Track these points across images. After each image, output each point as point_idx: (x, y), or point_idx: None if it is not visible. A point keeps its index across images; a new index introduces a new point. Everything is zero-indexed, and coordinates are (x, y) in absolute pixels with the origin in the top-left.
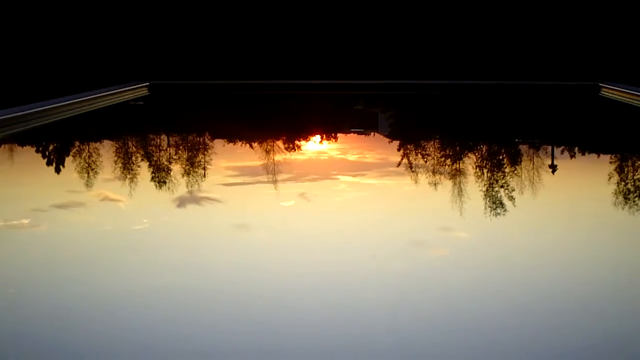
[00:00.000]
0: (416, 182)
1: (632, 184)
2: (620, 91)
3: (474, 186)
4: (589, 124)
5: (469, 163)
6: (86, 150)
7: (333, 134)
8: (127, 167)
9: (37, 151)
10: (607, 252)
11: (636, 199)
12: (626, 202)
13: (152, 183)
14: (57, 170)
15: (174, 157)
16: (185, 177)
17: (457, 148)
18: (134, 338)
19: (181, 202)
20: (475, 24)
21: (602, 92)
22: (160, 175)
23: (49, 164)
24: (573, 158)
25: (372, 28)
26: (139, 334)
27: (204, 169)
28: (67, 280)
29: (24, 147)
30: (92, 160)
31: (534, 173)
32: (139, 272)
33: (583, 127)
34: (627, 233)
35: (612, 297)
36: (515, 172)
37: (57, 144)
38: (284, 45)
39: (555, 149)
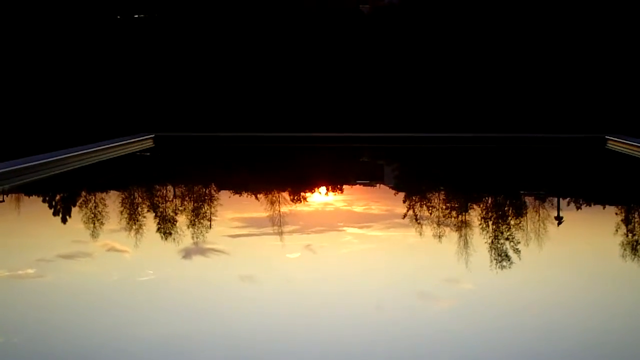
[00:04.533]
0: (422, 234)
1: (636, 236)
2: (626, 143)
3: (479, 238)
4: (595, 176)
5: (475, 215)
6: (94, 201)
7: (339, 186)
8: (134, 219)
9: (45, 201)
10: (611, 302)
11: (637, 249)
12: (630, 255)
13: (159, 234)
14: (64, 221)
15: (181, 208)
16: (191, 229)
17: (464, 200)
18: None
19: (187, 254)
20: (482, 76)
21: (609, 145)
22: (167, 227)
23: (56, 214)
24: (579, 210)
25: (380, 80)
26: None
27: (210, 220)
28: (72, 329)
29: (33, 198)
30: (99, 211)
31: (539, 225)
32: (144, 322)
33: (589, 179)
34: (628, 284)
35: (616, 346)
36: (521, 224)
37: (65, 195)
38: (288, 97)
39: (561, 201)
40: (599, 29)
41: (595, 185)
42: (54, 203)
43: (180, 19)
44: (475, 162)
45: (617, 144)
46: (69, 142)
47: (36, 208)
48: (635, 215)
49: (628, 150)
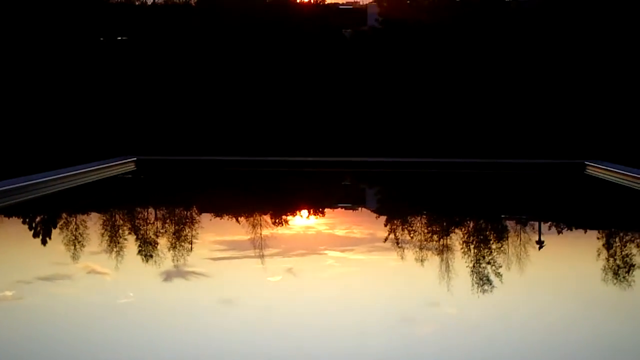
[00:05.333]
0: (403, 258)
1: (613, 260)
2: (605, 169)
3: (460, 263)
4: (574, 201)
5: (455, 240)
6: (74, 225)
7: (321, 209)
8: (115, 242)
9: (24, 225)
10: (591, 324)
11: (616, 274)
12: (610, 278)
13: (141, 257)
14: (45, 243)
15: (162, 231)
16: (172, 251)
17: (444, 225)
18: None
19: (168, 277)
20: (462, 102)
21: (588, 170)
22: (148, 250)
23: (35, 236)
24: (560, 234)
25: (361, 104)
26: None
27: (191, 243)
28: (53, 351)
29: (13, 220)
30: (80, 234)
31: (520, 249)
32: (123, 345)
33: (568, 204)
34: (607, 306)
35: None
36: (502, 248)
37: (46, 218)
38: (272, 120)
39: (541, 225)
40: (577, 55)
41: (574, 210)
42: (33, 226)
43: (163, 42)
44: (454, 187)
45: (596, 170)
46: (50, 164)
47: (15, 232)
48: (615, 240)
49: (607, 176)
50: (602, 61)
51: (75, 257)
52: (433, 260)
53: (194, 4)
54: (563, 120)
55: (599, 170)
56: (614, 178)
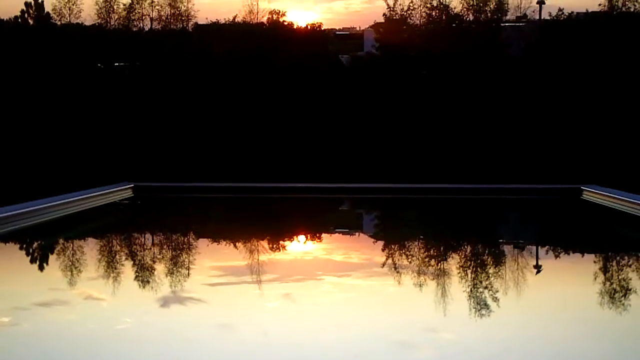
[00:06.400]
0: (400, 283)
1: (609, 284)
2: (602, 194)
3: (459, 288)
4: (571, 226)
5: (453, 265)
6: (73, 251)
7: (318, 235)
8: (113, 268)
9: (21, 250)
10: (588, 350)
11: (613, 299)
12: (607, 303)
13: (138, 283)
14: (42, 270)
15: (161, 258)
16: (170, 278)
17: (441, 250)
18: None
19: (166, 302)
20: (457, 127)
21: (584, 195)
22: (145, 276)
23: (33, 262)
24: (558, 258)
25: (359, 130)
26: None
27: (189, 269)
28: None
29: (9, 248)
30: (78, 260)
31: (518, 274)
32: None
33: (565, 229)
34: (606, 332)
35: None
36: (500, 273)
37: (43, 246)
38: (270, 147)
39: (538, 250)
40: (572, 80)
41: (572, 235)
42: (31, 254)
43: (161, 68)
44: (450, 213)
45: (592, 195)
46: (46, 191)
47: (11, 260)
48: (613, 264)
49: (604, 201)
50: (596, 87)
51: (72, 284)
52: (431, 286)
53: (191, 30)
54: (558, 145)
55: (596, 195)
56: (611, 203)
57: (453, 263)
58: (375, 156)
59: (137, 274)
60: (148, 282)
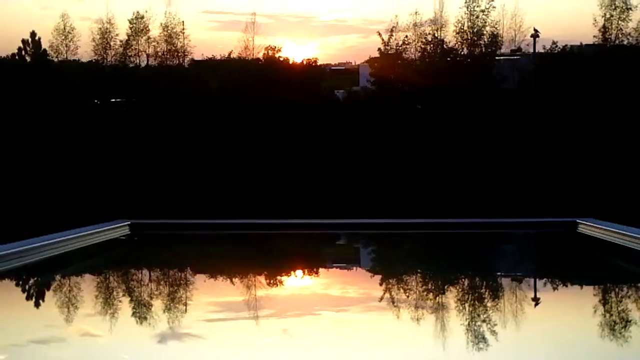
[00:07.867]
0: (399, 318)
1: (605, 317)
2: (597, 227)
3: (456, 323)
4: (566, 260)
5: (450, 299)
6: (70, 289)
7: (315, 270)
8: (112, 305)
9: (17, 287)
10: None
11: (609, 332)
12: (606, 335)
13: (135, 320)
14: (38, 307)
15: (158, 294)
16: (168, 314)
17: (438, 284)
18: None
19: (163, 339)
20: (452, 161)
21: (580, 229)
22: (145, 313)
23: (28, 299)
24: (554, 291)
25: (355, 165)
26: None
27: (186, 305)
28: None
29: (8, 285)
30: (75, 298)
31: (516, 307)
32: None
33: (560, 263)
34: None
35: None
36: (498, 306)
37: (40, 284)
38: (268, 183)
39: (536, 283)
40: (567, 114)
41: (567, 268)
42: (27, 292)
43: (158, 104)
44: (446, 247)
45: (588, 228)
46: (44, 229)
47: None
48: (608, 297)
49: (599, 234)
50: (591, 120)
51: (69, 321)
52: (429, 321)
53: (187, 66)
54: (554, 179)
55: (591, 229)
56: (606, 236)
57: (450, 297)
58: (371, 191)
59: (134, 310)
60: (146, 318)
